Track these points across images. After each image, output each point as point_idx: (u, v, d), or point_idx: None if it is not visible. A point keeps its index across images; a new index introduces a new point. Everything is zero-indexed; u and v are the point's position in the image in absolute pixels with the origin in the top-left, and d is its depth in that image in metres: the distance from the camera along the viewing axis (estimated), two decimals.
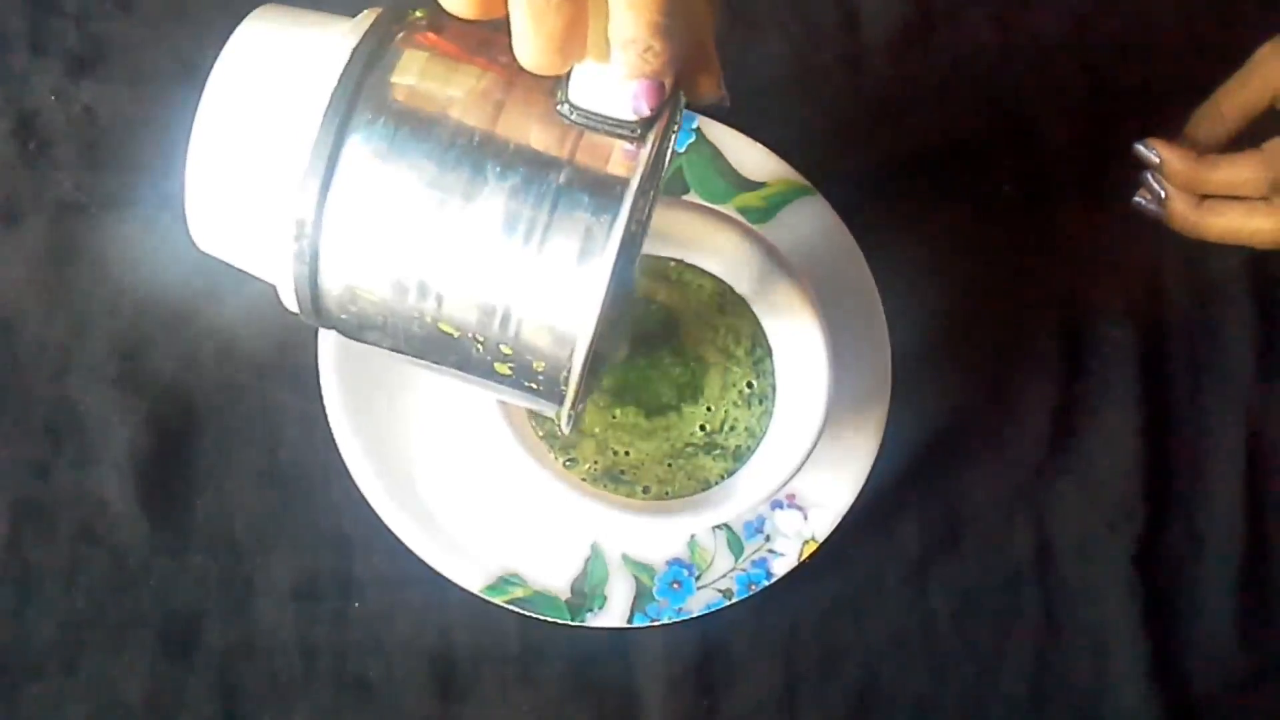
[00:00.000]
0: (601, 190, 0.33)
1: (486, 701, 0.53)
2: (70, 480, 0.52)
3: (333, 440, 0.50)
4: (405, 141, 0.33)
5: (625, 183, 0.34)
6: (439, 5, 0.33)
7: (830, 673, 0.55)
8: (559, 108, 0.34)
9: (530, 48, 0.32)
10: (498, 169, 0.33)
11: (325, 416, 0.50)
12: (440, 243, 0.33)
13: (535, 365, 0.35)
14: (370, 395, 0.51)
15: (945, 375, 0.57)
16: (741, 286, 0.50)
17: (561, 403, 0.36)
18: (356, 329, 0.36)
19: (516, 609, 0.51)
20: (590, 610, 0.51)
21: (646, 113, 0.33)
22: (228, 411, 0.53)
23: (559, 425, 0.38)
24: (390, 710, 0.53)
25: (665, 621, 0.52)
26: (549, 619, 0.51)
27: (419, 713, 0.53)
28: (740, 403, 0.50)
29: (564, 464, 0.49)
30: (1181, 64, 0.60)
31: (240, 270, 0.53)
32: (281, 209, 0.33)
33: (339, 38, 0.34)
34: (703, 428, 0.50)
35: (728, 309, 0.50)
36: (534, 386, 0.36)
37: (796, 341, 0.49)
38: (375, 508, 0.50)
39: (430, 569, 0.51)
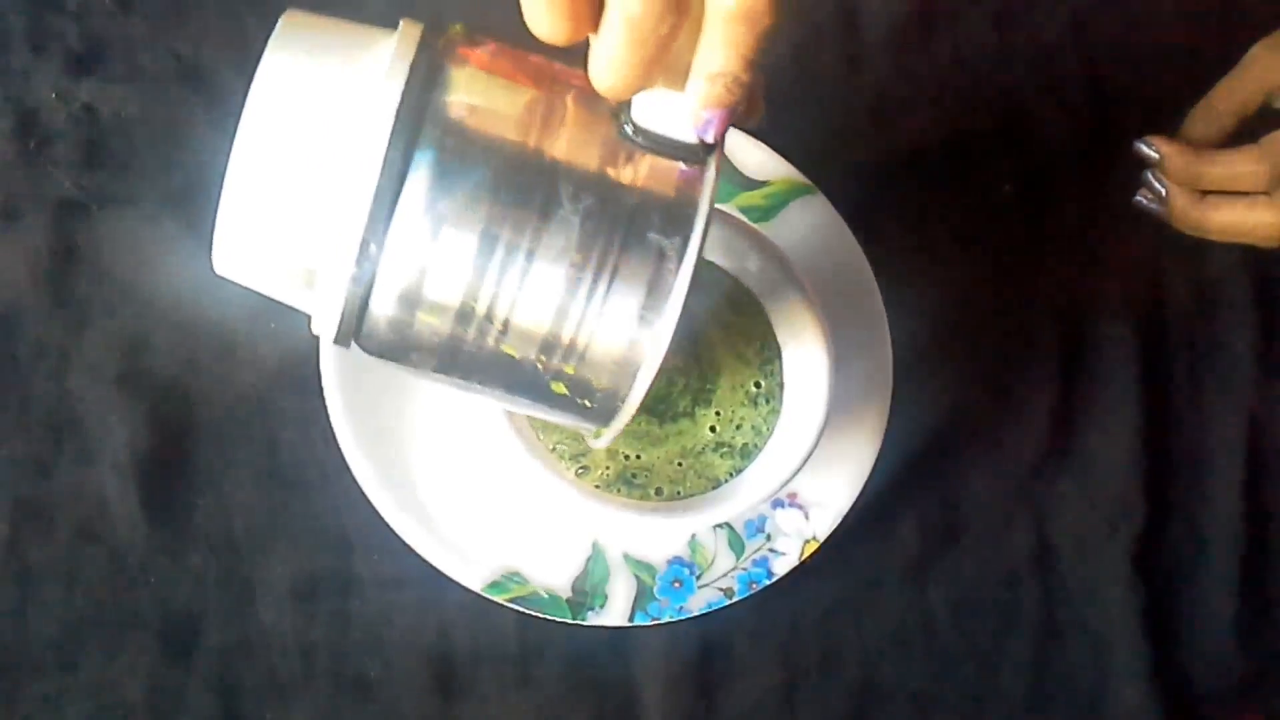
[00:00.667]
0: (672, 212, 0.34)
1: (486, 700, 0.53)
2: (70, 479, 0.52)
3: (332, 439, 0.50)
4: (474, 162, 0.33)
5: (695, 204, 0.34)
6: (480, 20, 0.33)
7: (830, 671, 0.55)
8: (624, 129, 0.34)
9: (618, 71, 0.32)
10: (571, 190, 0.33)
11: (325, 415, 0.50)
12: (512, 265, 0.33)
13: (596, 383, 0.35)
14: (371, 393, 0.51)
15: (945, 374, 0.57)
16: (754, 285, 0.50)
17: (610, 421, 0.36)
18: (400, 351, 0.35)
19: (517, 607, 0.51)
20: (591, 609, 0.51)
21: (713, 139, 0.34)
22: (227, 411, 0.53)
23: (595, 440, 0.38)
24: (389, 709, 0.52)
25: (666, 620, 0.52)
26: (550, 617, 0.51)
27: (418, 712, 0.53)
28: (747, 402, 0.50)
29: (576, 472, 0.48)
30: (1181, 64, 0.60)
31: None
32: (340, 232, 0.33)
33: (389, 53, 0.33)
34: (712, 429, 0.50)
35: (740, 308, 0.50)
36: (588, 405, 0.36)
37: (800, 343, 0.49)
38: (376, 506, 0.50)
39: (430, 568, 0.51)
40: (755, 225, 0.51)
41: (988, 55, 0.61)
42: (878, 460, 0.53)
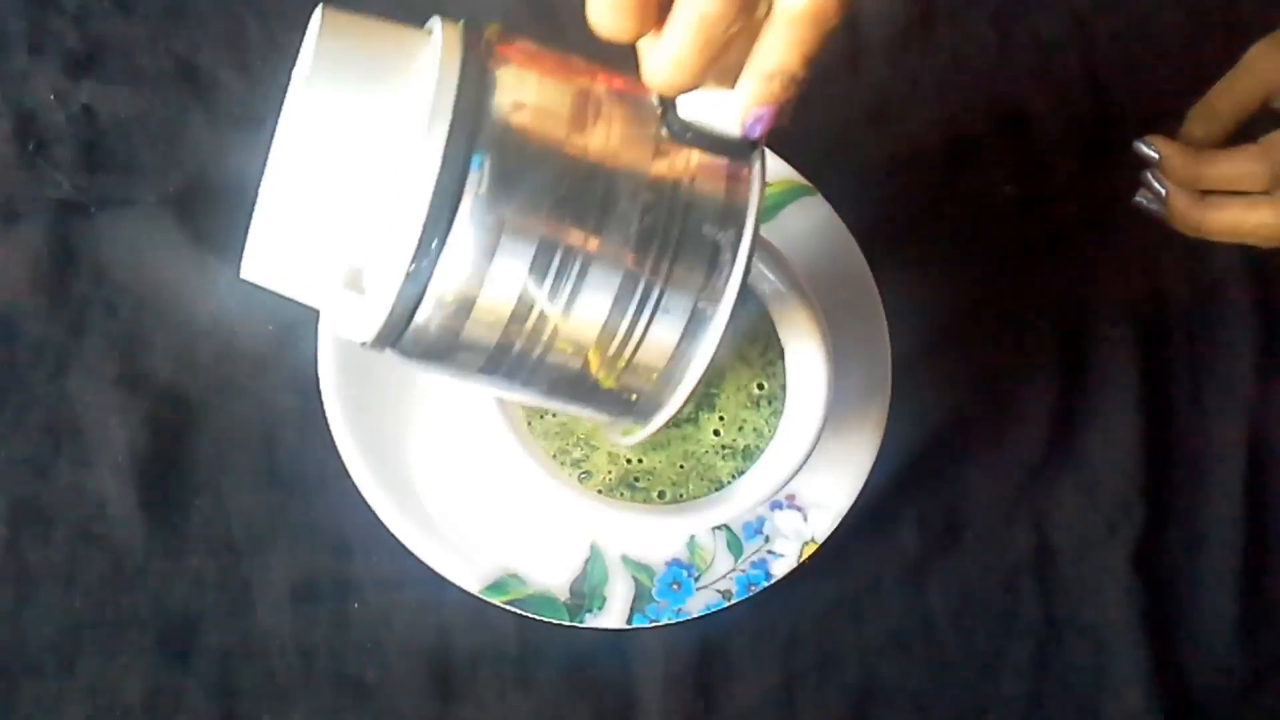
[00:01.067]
0: (724, 207, 0.34)
1: (484, 702, 0.53)
2: (69, 481, 0.52)
3: (331, 440, 0.50)
4: (534, 159, 0.33)
5: (745, 198, 0.34)
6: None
7: (829, 673, 0.55)
8: (670, 125, 0.34)
9: (679, 69, 0.32)
10: (629, 187, 0.33)
11: (323, 416, 0.50)
12: (572, 261, 0.33)
13: (646, 377, 0.35)
14: (369, 395, 0.50)
15: (945, 375, 0.57)
16: (755, 287, 0.50)
17: (651, 416, 0.36)
18: (445, 352, 0.35)
19: (515, 610, 0.51)
20: (589, 611, 0.51)
21: (759, 135, 0.34)
22: (226, 412, 0.53)
23: (626, 437, 0.38)
24: (388, 711, 0.52)
25: (664, 623, 0.52)
26: (548, 620, 0.51)
27: (417, 713, 0.53)
28: (750, 404, 0.50)
29: (578, 478, 0.48)
30: (1181, 63, 0.60)
31: (239, 270, 0.53)
32: (398, 228, 0.32)
33: (436, 50, 0.33)
34: (716, 433, 0.50)
35: (745, 310, 0.50)
36: (634, 399, 0.36)
37: (800, 344, 0.49)
38: (374, 508, 0.50)
39: (429, 570, 0.51)
40: None
41: (987, 55, 0.61)
42: (877, 461, 0.53)
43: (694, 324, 0.34)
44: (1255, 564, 0.58)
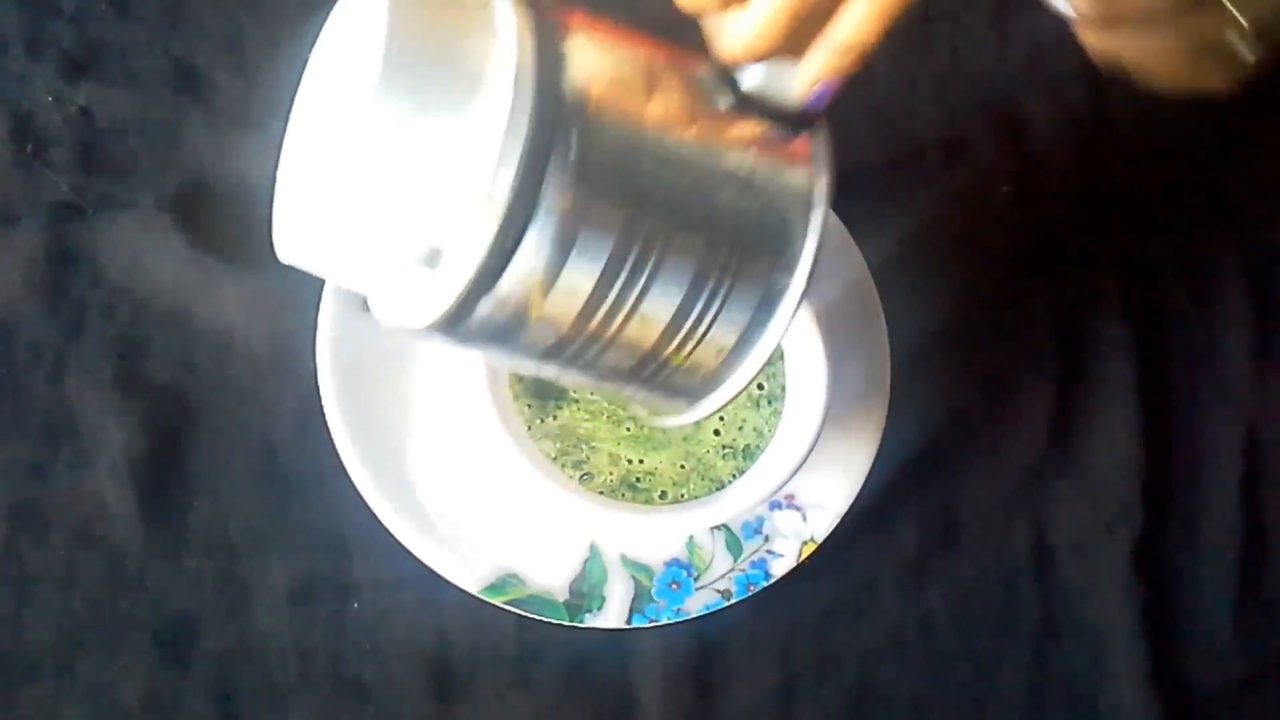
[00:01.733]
0: (791, 178, 0.34)
1: (484, 703, 0.53)
2: (67, 482, 0.52)
3: (329, 442, 0.50)
4: (615, 130, 0.32)
5: (814, 169, 0.34)
6: None
7: (828, 673, 0.55)
8: (735, 96, 0.34)
9: (761, 39, 0.32)
10: (706, 157, 0.33)
11: (322, 418, 0.50)
12: (658, 231, 0.32)
13: (715, 355, 0.34)
14: (368, 396, 0.51)
15: (944, 375, 0.57)
16: None
17: (704, 396, 0.36)
18: (513, 331, 0.33)
19: (514, 610, 0.51)
20: (589, 611, 0.51)
21: (822, 108, 0.34)
22: (224, 413, 0.53)
23: (669, 419, 0.38)
24: (387, 712, 0.52)
25: (664, 622, 0.52)
26: (547, 620, 0.51)
27: (416, 714, 0.53)
28: (750, 404, 0.50)
29: (580, 479, 0.48)
30: None
31: (237, 271, 0.53)
32: (483, 202, 0.31)
33: (506, 23, 0.32)
34: (716, 433, 0.50)
35: None
36: (696, 378, 0.35)
37: (799, 344, 0.49)
38: (373, 509, 0.50)
39: (427, 571, 0.51)
40: None
41: (986, 55, 0.61)
42: (876, 461, 0.53)
43: (767, 298, 0.34)
44: (1255, 564, 0.58)
